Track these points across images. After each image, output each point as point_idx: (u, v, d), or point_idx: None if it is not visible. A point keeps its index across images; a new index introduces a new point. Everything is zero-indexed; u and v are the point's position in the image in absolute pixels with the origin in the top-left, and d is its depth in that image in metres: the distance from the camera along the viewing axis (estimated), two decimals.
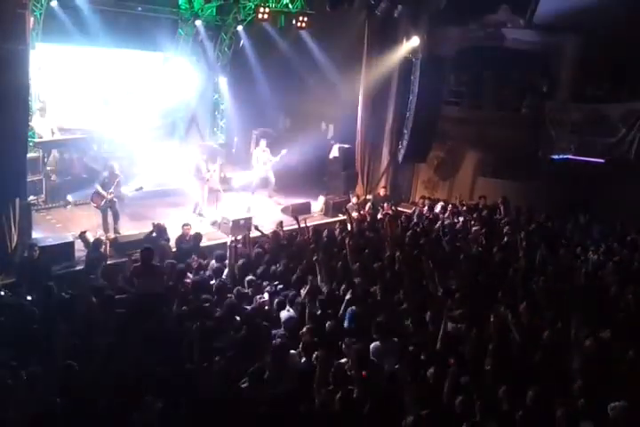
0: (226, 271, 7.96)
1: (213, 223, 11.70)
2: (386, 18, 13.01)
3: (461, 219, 11.26)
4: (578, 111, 12.57)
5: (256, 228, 10.21)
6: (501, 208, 12.04)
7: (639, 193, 11.41)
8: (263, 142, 13.98)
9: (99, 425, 4.56)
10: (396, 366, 5.49)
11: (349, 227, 10.70)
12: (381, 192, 13.72)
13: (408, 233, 9.93)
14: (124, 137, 14.02)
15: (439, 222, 11.18)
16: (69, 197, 12.00)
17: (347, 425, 4.69)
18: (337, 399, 4.76)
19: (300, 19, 13.46)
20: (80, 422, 4.55)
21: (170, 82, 15.39)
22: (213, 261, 8.44)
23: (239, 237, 9.11)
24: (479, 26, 13.56)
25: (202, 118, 16.49)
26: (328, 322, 6.27)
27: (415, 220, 11.28)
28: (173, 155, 13.51)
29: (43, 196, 11.62)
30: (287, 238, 9.82)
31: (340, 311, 6.62)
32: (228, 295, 6.98)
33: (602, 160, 12.22)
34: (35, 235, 9.54)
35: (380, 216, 11.61)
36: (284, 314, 6.57)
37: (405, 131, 13.57)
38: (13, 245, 8.78)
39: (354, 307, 6.51)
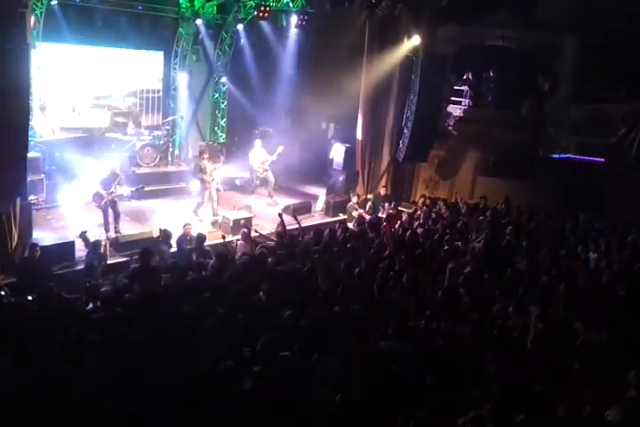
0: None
1: (214, 223, 11.70)
2: (386, 16, 12.98)
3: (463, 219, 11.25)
4: (578, 111, 12.56)
5: (255, 231, 10.21)
6: (504, 208, 12.04)
7: (639, 192, 11.40)
8: (258, 142, 13.97)
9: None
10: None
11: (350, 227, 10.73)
12: (382, 191, 13.71)
13: (408, 233, 9.92)
14: (124, 136, 14.06)
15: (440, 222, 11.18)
16: (69, 197, 11.99)
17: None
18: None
19: (301, 17, 13.46)
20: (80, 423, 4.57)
21: (170, 80, 15.41)
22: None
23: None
24: (480, 25, 13.54)
25: (202, 117, 16.50)
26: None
27: (422, 220, 11.24)
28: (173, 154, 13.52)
29: (43, 195, 11.62)
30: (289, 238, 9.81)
31: None
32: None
33: (602, 160, 12.21)
34: (35, 234, 9.54)
35: (381, 216, 11.62)
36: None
37: (406, 130, 13.55)
38: (14, 244, 8.78)
39: None
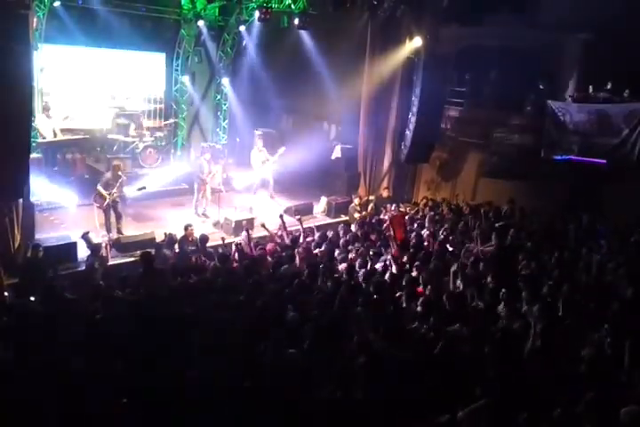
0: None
1: (216, 224, 11.71)
2: (388, 18, 12.99)
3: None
4: (580, 112, 12.53)
5: (263, 225, 10.17)
6: (508, 210, 12.02)
7: None
8: (259, 142, 14.00)
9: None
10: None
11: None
12: (384, 193, 13.71)
13: (413, 235, 9.92)
14: (127, 137, 14.08)
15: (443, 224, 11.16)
16: (72, 198, 12.00)
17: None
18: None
19: (303, 19, 13.47)
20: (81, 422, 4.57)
21: (172, 82, 15.44)
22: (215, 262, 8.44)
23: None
24: (481, 25, 13.54)
25: (204, 119, 16.53)
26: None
27: (426, 223, 11.22)
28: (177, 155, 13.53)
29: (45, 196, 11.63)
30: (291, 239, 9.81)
31: None
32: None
33: (604, 161, 12.19)
34: (37, 235, 9.56)
35: (385, 217, 11.59)
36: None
37: (408, 131, 13.55)
38: (16, 245, 8.79)
39: None
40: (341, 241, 9.74)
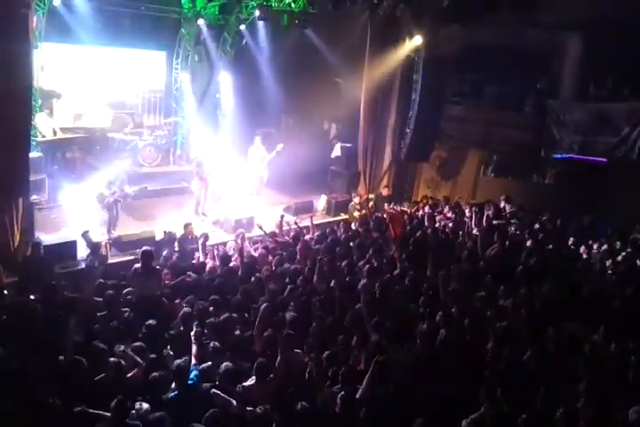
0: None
1: (215, 223, 11.71)
2: (388, 17, 12.99)
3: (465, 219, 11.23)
4: (581, 110, 12.54)
5: (260, 227, 10.19)
6: (506, 207, 12.03)
7: None
8: (257, 139, 14.01)
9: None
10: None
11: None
12: (384, 192, 13.72)
13: (413, 233, 9.92)
14: (126, 136, 14.08)
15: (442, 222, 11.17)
16: (72, 197, 12.01)
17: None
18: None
19: (303, 18, 13.46)
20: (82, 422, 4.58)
21: (172, 81, 15.43)
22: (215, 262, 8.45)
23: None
24: (481, 24, 13.53)
25: (204, 117, 16.49)
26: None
27: (425, 221, 11.22)
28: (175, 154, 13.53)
29: (46, 195, 11.63)
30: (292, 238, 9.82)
31: None
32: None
33: (605, 159, 12.19)
34: (37, 234, 9.56)
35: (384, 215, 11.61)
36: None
37: (408, 130, 13.55)
38: (16, 244, 8.80)
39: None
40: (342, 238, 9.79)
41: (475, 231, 10.13)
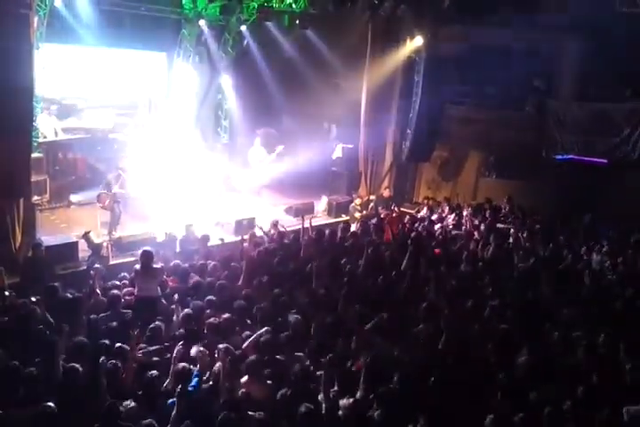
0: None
1: (217, 224, 11.71)
2: (389, 17, 13.00)
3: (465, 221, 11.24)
4: (581, 111, 12.54)
5: (260, 228, 10.20)
6: (506, 208, 12.04)
7: None
8: (257, 141, 14.02)
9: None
10: None
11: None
12: (385, 193, 13.72)
13: (412, 235, 9.92)
14: (129, 137, 14.07)
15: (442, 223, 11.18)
16: (73, 198, 12.03)
17: None
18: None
19: (304, 19, 13.47)
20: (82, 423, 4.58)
21: (173, 82, 15.43)
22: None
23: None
24: (482, 25, 13.54)
25: (205, 118, 16.51)
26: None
27: (425, 222, 11.24)
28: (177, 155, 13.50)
29: (47, 196, 11.65)
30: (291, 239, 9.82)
31: None
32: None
33: (605, 160, 12.19)
34: (39, 235, 9.56)
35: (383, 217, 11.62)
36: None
37: (409, 131, 13.56)
38: (17, 245, 8.80)
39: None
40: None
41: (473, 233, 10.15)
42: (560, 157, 12.86)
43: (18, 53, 8.10)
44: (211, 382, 5.12)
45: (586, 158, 12.56)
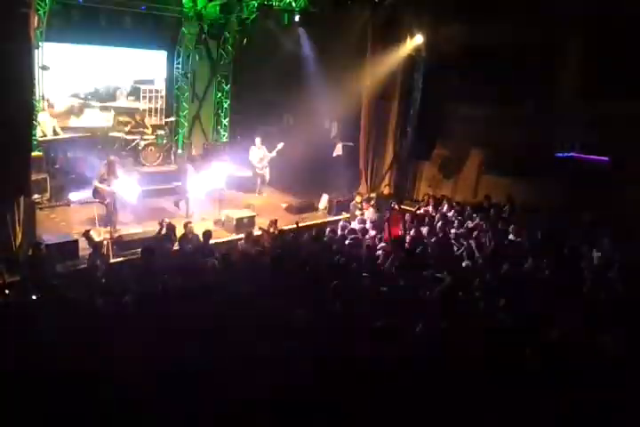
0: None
1: (217, 222, 11.72)
2: (389, 16, 12.99)
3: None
4: (582, 109, 12.51)
5: (260, 228, 10.22)
6: (507, 207, 12.03)
7: None
8: (258, 139, 14.04)
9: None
10: None
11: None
12: (385, 190, 13.72)
13: (411, 232, 9.93)
14: (128, 135, 14.09)
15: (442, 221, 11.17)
16: (73, 196, 12.02)
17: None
18: None
19: (303, 17, 13.46)
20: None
21: (173, 80, 15.45)
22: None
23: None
24: (483, 23, 13.51)
25: (206, 117, 16.53)
26: None
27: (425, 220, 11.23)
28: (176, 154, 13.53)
29: (47, 194, 11.67)
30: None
31: None
32: None
33: (606, 158, 12.18)
34: (39, 233, 9.57)
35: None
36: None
37: (409, 129, 13.57)
38: (18, 243, 8.81)
39: None
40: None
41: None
42: (561, 155, 12.84)
43: (18, 52, 8.10)
44: None
45: (587, 156, 12.54)
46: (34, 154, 10.42)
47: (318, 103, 15.27)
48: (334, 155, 15.41)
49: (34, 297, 7.10)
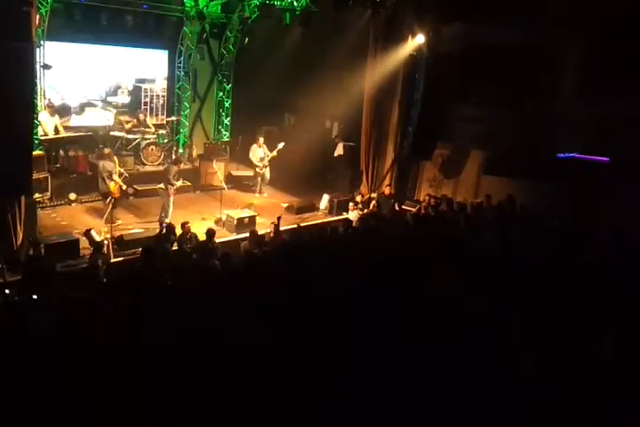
0: None
1: (218, 222, 11.72)
2: (391, 15, 12.97)
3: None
4: (583, 109, 12.50)
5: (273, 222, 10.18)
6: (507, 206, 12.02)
7: None
8: (261, 138, 14.05)
9: None
10: None
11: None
12: (386, 190, 13.70)
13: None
14: (129, 135, 14.08)
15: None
16: (74, 196, 12.04)
17: None
18: None
19: (305, 16, 13.46)
20: None
21: (174, 79, 15.44)
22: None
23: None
24: (484, 23, 13.50)
25: (207, 116, 16.53)
26: None
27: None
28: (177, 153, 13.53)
29: (48, 194, 11.67)
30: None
31: None
32: None
33: (607, 159, 12.17)
34: (40, 233, 9.58)
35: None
36: None
37: (410, 129, 13.55)
38: (18, 243, 8.82)
39: None
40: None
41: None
42: (562, 155, 12.83)
43: (19, 51, 8.11)
44: None
45: (588, 157, 12.53)
46: (35, 153, 10.42)
47: (319, 103, 15.28)
48: (335, 155, 15.41)
49: (34, 296, 7.11)
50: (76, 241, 9.39)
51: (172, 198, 11.35)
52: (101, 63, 14.24)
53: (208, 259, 8.42)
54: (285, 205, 13.19)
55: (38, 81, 11.67)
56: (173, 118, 15.61)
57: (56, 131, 12.87)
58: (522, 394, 4.69)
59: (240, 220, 11.24)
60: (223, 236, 10.87)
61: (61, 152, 12.77)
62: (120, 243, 9.78)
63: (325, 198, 13.54)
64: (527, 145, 13.08)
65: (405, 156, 13.92)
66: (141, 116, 14.63)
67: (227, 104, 16.22)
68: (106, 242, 9.20)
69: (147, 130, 14.38)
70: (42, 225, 10.08)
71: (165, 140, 14.94)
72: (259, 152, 13.87)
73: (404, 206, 13.33)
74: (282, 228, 10.25)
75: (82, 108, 14.35)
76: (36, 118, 11.43)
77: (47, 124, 12.58)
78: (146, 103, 15.43)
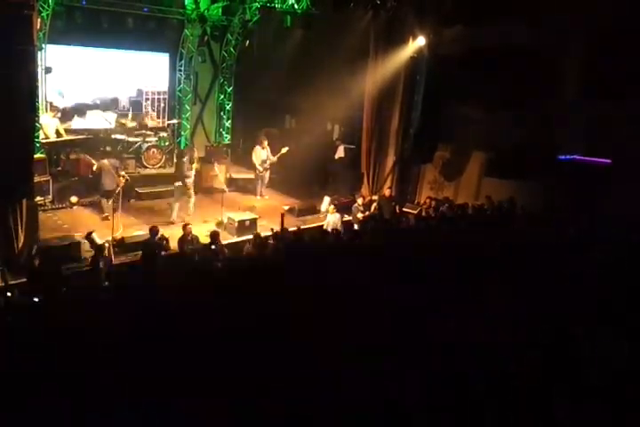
0: None
1: (219, 224, 11.73)
2: (391, 17, 12.99)
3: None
4: (584, 111, 12.50)
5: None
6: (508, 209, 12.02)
7: None
8: (264, 141, 14.06)
9: None
10: None
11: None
12: (387, 193, 13.71)
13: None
14: (130, 137, 14.12)
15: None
16: (75, 198, 12.04)
17: None
18: None
19: (306, 19, 13.48)
20: None
21: (175, 82, 15.46)
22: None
23: None
24: (485, 25, 13.51)
25: (208, 119, 16.55)
26: None
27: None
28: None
29: (50, 196, 11.68)
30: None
31: None
32: None
33: (608, 160, 12.16)
34: (41, 236, 9.59)
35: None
36: None
37: (411, 131, 13.56)
38: (20, 245, 8.82)
39: None
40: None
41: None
42: (563, 157, 12.82)
43: (20, 54, 8.13)
44: None
45: (589, 158, 12.52)
46: (36, 156, 10.43)
47: (320, 105, 15.29)
48: (336, 157, 15.42)
49: (36, 299, 7.11)
50: (78, 244, 9.40)
51: (193, 198, 11.84)
52: (102, 66, 14.27)
53: (209, 260, 8.46)
54: (286, 208, 13.18)
55: (40, 84, 11.69)
56: (174, 121, 15.64)
57: (57, 134, 12.89)
58: None
59: (241, 222, 11.24)
60: (225, 238, 10.84)
61: (62, 155, 12.79)
62: (121, 246, 9.79)
63: (326, 201, 13.52)
64: (529, 147, 13.08)
65: (406, 158, 13.92)
66: (142, 120, 14.65)
67: (228, 107, 16.24)
68: (107, 245, 9.20)
69: (148, 133, 14.40)
70: (43, 228, 10.07)
71: (167, 143, 14.95)
72: (262, 154, 13.88)
73: (404, 209, 13.32)
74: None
75: (83, 110, 14.37)
76: (38, 121, 11.45)
77: (48, 128, 12.61)
78: (147, 106, 15.45)
